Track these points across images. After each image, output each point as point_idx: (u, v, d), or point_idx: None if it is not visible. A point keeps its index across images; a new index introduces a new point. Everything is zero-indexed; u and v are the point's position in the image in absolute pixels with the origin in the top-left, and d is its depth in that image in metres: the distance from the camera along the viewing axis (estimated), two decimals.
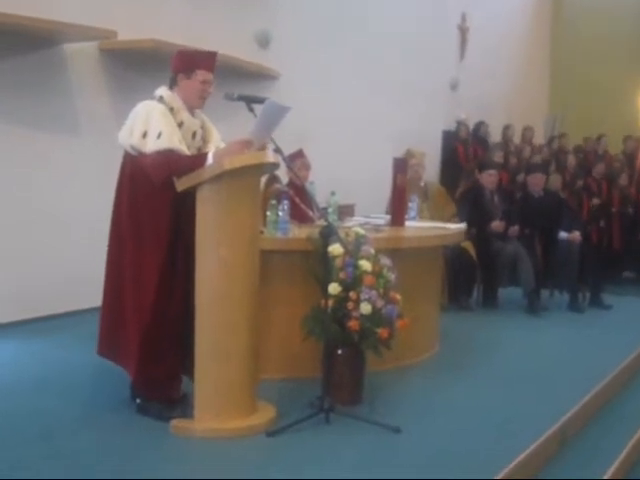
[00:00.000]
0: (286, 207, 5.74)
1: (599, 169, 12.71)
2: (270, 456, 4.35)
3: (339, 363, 5.10)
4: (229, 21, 9.28)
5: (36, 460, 4.16)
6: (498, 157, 12.23)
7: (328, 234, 4.84)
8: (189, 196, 4.59)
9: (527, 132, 14.55)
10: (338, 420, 4.77)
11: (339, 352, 5.10)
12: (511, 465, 4.18)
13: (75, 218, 7.56)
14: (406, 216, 7.15)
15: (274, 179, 7.02)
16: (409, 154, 8.55)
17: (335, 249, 5.05)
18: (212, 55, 4.91)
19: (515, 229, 8.88)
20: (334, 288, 4.96)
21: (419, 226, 7.08)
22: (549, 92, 17.79)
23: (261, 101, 4.72)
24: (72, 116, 7.72)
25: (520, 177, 12.18)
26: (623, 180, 12.44)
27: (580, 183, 12.28)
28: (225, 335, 4.56)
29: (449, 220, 7.88)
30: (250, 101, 4.79)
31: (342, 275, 5.02)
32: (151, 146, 4.59)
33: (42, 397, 5.18)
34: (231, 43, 8.77)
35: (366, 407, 5.10)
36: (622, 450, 4.84)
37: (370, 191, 9.34)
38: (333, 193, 6.52)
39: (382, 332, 4.98)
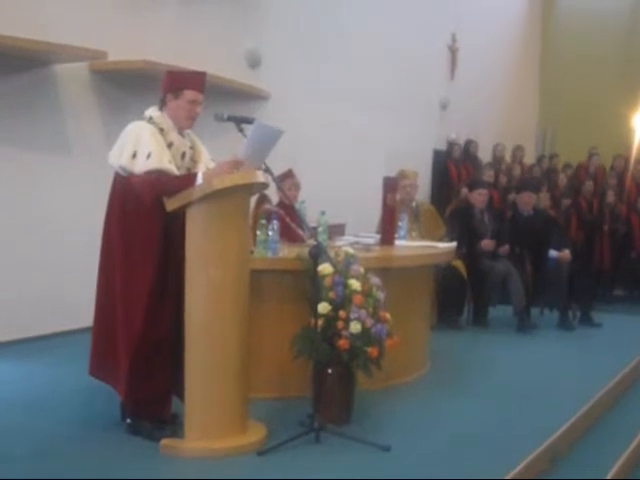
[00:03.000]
0: (276, 227, 5.75)
1: (588, 187, 12.80)
2: (261, 475, 4.34)
3: (329, 382, 5.10)
4: (220, 41, 9.31)
5: (25, 478, 4.15)
6: (488, 176, 12.27)
7: (317, 253, 4.85)
8: (179, 216, 4.61)
9: (518, 151, 14.60)
10: (328, 439, 4.77)
11: (329, 371, 5.10)
12: None
13: (66, 238, 7.56)
14: (396, 235, 7.18)
15: (264, 199, 7.05)
16: (402, 174, 8.54)
17: (325, 268, 5.07)
18: (201, 75, 4.93)
19: (506, 248, 8.91)
20: (324, 307, 4.97)
21: (409, 245, 7.10)
22: (539, 111, 17.85)
23: (250, 121, 4.74)
24: (63, 137, 7.73)
25: (511, 196, 12.22)
26: (610, 197, 12.51)
27: (567, 202, 12.33)
28: (215, 354, 4.57)
29: (439, 241, 7.89)
30: (240, 121, 4.80)
31: (332, 294, 5.03)
32: (141, 167, 4.61)
33: (32, 416, 5.18)
34: (221, 63, 8.81)
35: (356, 426, 5.10)
36: (612, 467, 4.84)
37: (361, 210, 9.36)
38: (323, 212, 6.53)
39: (372, 351, 4.99)
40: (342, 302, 5.03)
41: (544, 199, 10.57)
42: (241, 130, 4.77)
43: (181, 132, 4.90)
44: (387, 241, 6.91)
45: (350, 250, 5.42)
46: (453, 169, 13.61)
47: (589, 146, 14.46)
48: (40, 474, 4.23)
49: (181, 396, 4.76)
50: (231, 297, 4.60)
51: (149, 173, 4.59)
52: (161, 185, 4.59)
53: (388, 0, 12.32)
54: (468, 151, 14.07)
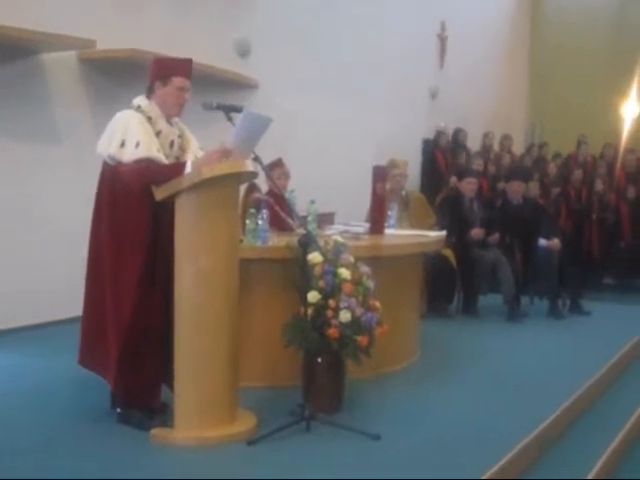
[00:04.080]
0: (265, 216, 5.75)
1: (577, 176, 12.83)
2: (251, 464, 4.34)
3: (319, 371, 5.11)
4: (209, 30, 9.29)
5: (15, 471, 4.14)
6: (477, 165, 12.27)
7: (307, 242, 4.85)
8: (168, 205, 4.60)
9: (506, 140, 14.61)
10: (319, 428, 4.78)
11: (319, 360, 5.10)
12: (490, 471, 4.19)
13: (55, 228, 7.54)
14: (386, 224, 7.18)
15: (253, 188, 7.04)
16: (392, 164, 8.55)
17: (314, 257, 5.06)
18: (188, 62, 4.93)
19: (495, 236, 8.92)
20: (313, 296, 4.97)
21: (399, 234, 7.10)
22: (528, 100, 17.84)
23: (239, 110, 4.74)
24: (51, 126, 7.70)
25: (500, 185, 12.23)
26: (598, 185, 12.55)
27: (556, 191, 12.35)
28: (205, 343, 4.56)
29: (429, 229, 7.89)
30: (228, 110, 4.79)
31: (321, 283, 5.03)
32: (129, 155, 4.60)
33: (22, 407, 5.17)
34: (211, 52, 8.79)
35: (346, 415, 5.10)
36: (602, 456, 4.86)
37: (350, 199, 9.35)
38: (313, 201, 6.53)
39: (362, 340, 4.99)
40: (332, 291, 5.03)
41: (533, 188, 10.57)
42: (230, 119, 4.76)
43: (169, 120, 4.90)
44: (377, 230, 6.91)
45: (340, 239, 5.42)
46: (440, 158, 13.62)
47: (578, 135, 14.48)
48: (30, 465, 4.23)
49: (171, 386, 4.76)
50: (221, 286, 4.59)
51: (138, 162, 4.58)
52: (150, 174, 4.59)
53: None
54: (457, 140, 14.07)
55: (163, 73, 4.84)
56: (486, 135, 14.41)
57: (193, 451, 4.48)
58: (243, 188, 6.40)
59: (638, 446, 5.46)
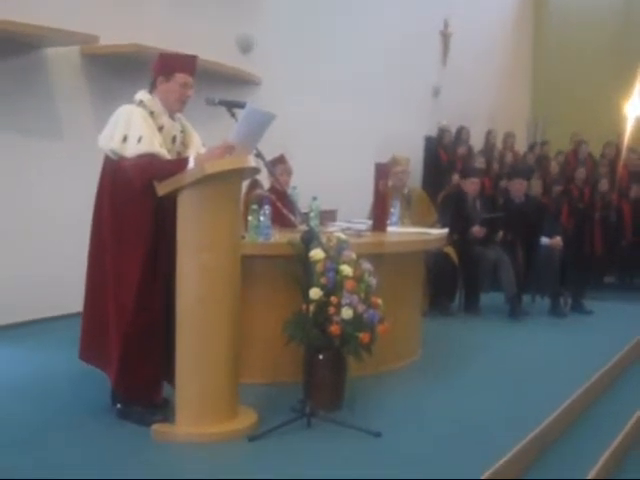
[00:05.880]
0: (267, 212, 5.74)
1: (580, 174, 12.82)
2: (252, 461, 4.34)
3: (320, 368, 5.09)
4: (212, 26, 9.27)
5: (14, 467, 4.13)
6: (480, 163, 12.28)
7: (309, 239, 4.84)
8: (170, 200, 4.59)
9: (509, 138, 14.59)
10: (319, 425, 4.76)
11: (320, 357, 5.09)
12: (491, 470, 4.18)
13: (57, 222, 7.54)
14: (388, 221, 7.17)
15: (256, 184, 7.03)
16: (394, 161, 8.54)
17: (316, 254, 5.04)
18: (192, 58, 4.92)
19: (501, 235, 8.94)
20: (315, 293, 4.96)
21: (401, 231, 7.10)
22: (531, 98, 17.85)
23: (242, 106, 4.71)
24: (53, 120, 7.70)
25: (503, 183, 12.22)
26: (603, 185, 12.54)
27: (559, 189, 12.34)
28: (206, 340, 4.56)
29: (431, 227, 7.88)
30: (231, 106, 4.77)
31: (323, 280, 5.01)
32: (132, 150, 4.58)
33: (21, 402, 5.16)
34: (213, 48, 8.76)
35: (347, 412, 5.09)
36: (603, 454, 4.85)
37: (353, 196, 9.34)
38: (315, 198, 6.52)
39: (363, 337, 4.98)
40: (334, 288, 5.01)
41: (536, 186, 10.57)
42: (233, 114, 4.74)
43: (172, 116, 4.88)
44: (379, 227, 6.90)
45: (342, 236, 5.41)
46: (443, 155, 13.62)
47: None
48: (29, 461, 4.21)
49: (172, 382, 4.75)
50: (222, 282, 4.58)
51: (140, 157, 4.56)
52: (152, 169, 4.57)
53: None
54: (459, 136, 14.05)
55: (167, 69, 4.82)
56: (489, 133, 14.41)
57: (194, 447, 4.46)
58: (245, 184, 6.39)
59: (639, 446, 5.45)
